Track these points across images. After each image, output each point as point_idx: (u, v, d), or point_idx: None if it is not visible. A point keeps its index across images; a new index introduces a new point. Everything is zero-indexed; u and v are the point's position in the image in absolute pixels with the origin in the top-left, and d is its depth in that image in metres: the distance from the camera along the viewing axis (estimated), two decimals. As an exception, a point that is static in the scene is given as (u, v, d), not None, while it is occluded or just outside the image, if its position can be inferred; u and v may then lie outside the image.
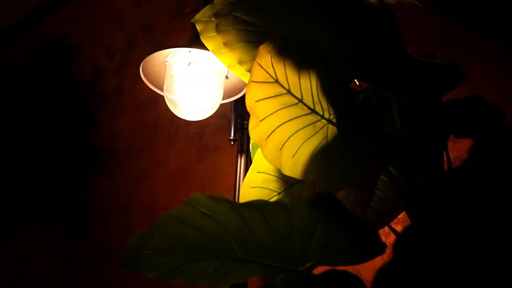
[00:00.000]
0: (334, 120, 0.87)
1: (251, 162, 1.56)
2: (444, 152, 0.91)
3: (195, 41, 1.30)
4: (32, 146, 2.50)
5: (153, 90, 1.47)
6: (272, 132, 0.84)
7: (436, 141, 0.90)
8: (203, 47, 1.26)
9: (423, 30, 1.50)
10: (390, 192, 1.06)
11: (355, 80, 1.05)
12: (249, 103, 0.80)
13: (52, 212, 2.57)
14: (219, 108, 1.50)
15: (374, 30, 0.85)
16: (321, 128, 0.88)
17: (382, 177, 1.05)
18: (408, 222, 1.44)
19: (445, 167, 0.89)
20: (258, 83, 0.80)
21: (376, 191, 1.07)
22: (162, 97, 1.48)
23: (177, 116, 1.49)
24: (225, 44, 0.91)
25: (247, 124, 1.54)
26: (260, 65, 0.78)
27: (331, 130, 0.88)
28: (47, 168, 2.53)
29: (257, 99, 0.81)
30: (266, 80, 0.80)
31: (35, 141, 2.52)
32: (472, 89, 1.30)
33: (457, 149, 1.36)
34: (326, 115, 0.87)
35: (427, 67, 0.93)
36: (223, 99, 1.45)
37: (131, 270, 0.75)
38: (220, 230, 0.73)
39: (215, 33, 0.97)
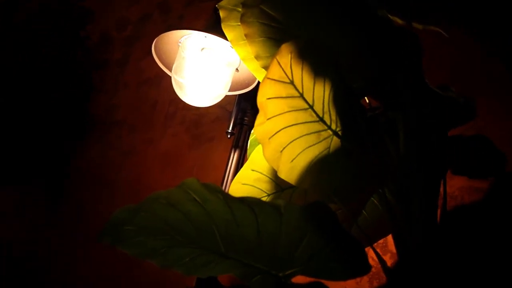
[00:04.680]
0: (339, 133, 0.86)
1: (243, 159, 1.56)
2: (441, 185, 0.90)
3: (212, 28, 1.29)
4: (26, 103, 2.47)
5: (158, 69, 1.45)
6: (276, 133, 0.83)
7: (435, 173, 0.90)
8: (219, 34, 1.24)
9: (440, 58, 1.48)
10: (377, 215, 1.05)
11: (365, 97, 1.04)
12: (260, 99, 0.79)
13: (32, 173, 2.53)
14: (222, 99, 1.48)
15: (398, 50, 0.84)
16: (325, 138, 0.87)
17: (371, 198, 1.05)
18: (388, 248, 1.44)
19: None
20: (273, 81, 0.79)
21: (363, 212, 1.07)
22: (166, 77, 1.46)
23: (176, 100, 1.47)
24: (246, 35, 0.89)
25: (247, 121, 1.53)
26: (279, 63, 0.77)
27: (335, 142, 0.87)
28: (36, 128, 2.50)
29: (269, 97, 0.79)
30: (282, 80, 0.79)
31: (29, 98, 2.48)
32: (477, 128, 1.30)
33: (450, 186, 1.35)
34: (333, 126, 0.86)
35: (441, 98, 0.93)
36: (229, 91, 1.43)
37: (110, 244, 0.73)
38: (207, 220, 0.72)
39: (237, 23, 0.95)
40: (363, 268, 0.64)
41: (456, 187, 1.35)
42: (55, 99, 2.54)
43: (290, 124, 0.84)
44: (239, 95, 1.51)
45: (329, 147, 0.87)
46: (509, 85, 1.31)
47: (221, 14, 1.00)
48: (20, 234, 2.45)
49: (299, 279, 0.73)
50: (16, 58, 2.53)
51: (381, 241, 1.43)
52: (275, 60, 0.77)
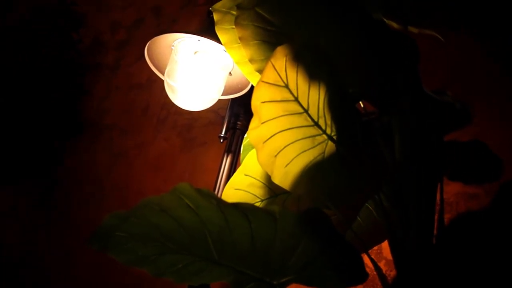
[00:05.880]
0: (334, 137, 0.85)
1: (236, 164, 1.54)
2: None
3: (206, 31, 1.27)
4: (25, 103, 2.44)
5: (150, 73, 1.43)
6: (271, 137, 0.82)
7: (432, 177, 0.88)
8: (213, 38, 1.23)
9: (440, 59, 1.47)
10: (372, 221, 1.04)
11: (360, 102, 1.03)
12: (254, 103, 0.77)
13: (24, 175, 2.50)
14: (214, 103, 1.46)
15: (398, 50, 0.83)
16: (320, 143, 0.85)
17: (366, 204, 1.03)
18: (383, 254, 1.42)
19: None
20: (267, 84, 0.77)
21: (358, 218, 1.05)
22: (158, 81, 1.44)
23: (168, 104, 1.45)
24: (240, 38, 0.88)
25: (240, 125, 1.52)
26: (274, 66, 0.76)
27: (330, 147, 0.86)
28: (35, 128, 2.47)
29: (263, 100, 0.78)
30: (276, 83, 0.78)
31: (29, 98, 2.46)
32: (475, 130, 1.28)
33: (446, 192, 1.34)
34: (328, 131, 0.84)
35: (437, 103, 0.92)
36: (222, 95, 1.42)
37: (100, 250, 0.71)
38: (200, 226, 0.70)
39: (231, 26, 0.94)
40: (359, 276, 0.63)
41: (451, 193, 1.34)
42: (55, 99, 2.52)
43: (285, 128, 0.82)
44: (232, 99, 1.50)
45: (324, 152, 0.86)
46: (509, 85, 1.31)
47: (215, 17, 0.98)
48: (19, 234, 2.42)
49: (293, 287, 0.71)
50: (16, 58, 2.51)
51: (375, 247, 1.42)
52: (269, 63, 0.75)
